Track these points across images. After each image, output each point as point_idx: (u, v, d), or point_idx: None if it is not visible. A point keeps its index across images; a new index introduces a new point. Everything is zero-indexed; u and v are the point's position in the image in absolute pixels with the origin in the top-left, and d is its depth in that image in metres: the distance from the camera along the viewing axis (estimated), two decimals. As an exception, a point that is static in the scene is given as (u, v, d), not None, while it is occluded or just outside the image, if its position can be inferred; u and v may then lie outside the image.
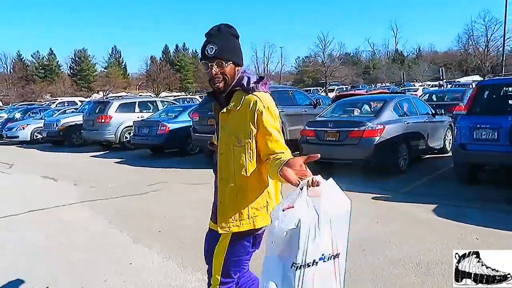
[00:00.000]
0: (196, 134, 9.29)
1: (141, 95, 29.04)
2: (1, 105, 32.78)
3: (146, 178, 8.22)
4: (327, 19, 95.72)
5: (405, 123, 7.54)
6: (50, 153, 13.12)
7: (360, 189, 6.40)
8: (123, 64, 76.08)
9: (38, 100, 50.53)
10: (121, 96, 14.40)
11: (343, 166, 7.61)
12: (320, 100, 10.70)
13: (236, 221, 1.84)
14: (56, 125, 14.17)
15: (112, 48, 76.49)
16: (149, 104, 13.56)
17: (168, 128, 10.56)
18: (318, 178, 1.56)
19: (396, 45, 73.27)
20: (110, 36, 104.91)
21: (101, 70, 74.62)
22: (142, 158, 11.04)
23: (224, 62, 1.80)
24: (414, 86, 38.85)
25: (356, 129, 7.01)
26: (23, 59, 71.69)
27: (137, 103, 13.22)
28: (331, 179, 1.61)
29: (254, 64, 71.96)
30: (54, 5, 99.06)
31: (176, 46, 76.65)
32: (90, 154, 12.33)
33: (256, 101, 1.78)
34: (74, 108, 18.02)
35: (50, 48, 74.15)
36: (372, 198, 5.95)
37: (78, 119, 14.32)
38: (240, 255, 1.88)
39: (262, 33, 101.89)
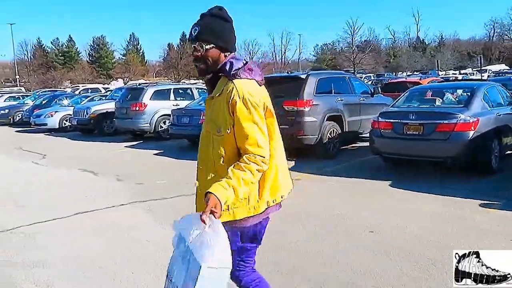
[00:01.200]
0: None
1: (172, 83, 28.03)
2: (24, 91, 32.09)
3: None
4: (346, 6, 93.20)
5: (497, 114, 6.48)
6: (82, 143, 12.35)
7: (456, 193, 5.40)
8: (141, 51, 75.66)
9: (58, 87, 50.43)
10: (155, 83, 13.48)
11: (417, 164, 6.62)
12: (378, 89, 9.64)
13: None
14: (87, 113, 13.40)
15: (130, 35, 75.93)
16: (184, 92, 12.65)
17: (211, 117, 9.60)
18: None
19: (417, 32, 70.96)
20: (128, 23, 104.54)
21: (119, 57, 74.08)
22: (181, 150, 10.15)
23: (204, 44, 1.76)
24: (439, 75, 37.26)
25: (445, 121, 5.97)
26: (43, 46, 71.43)
27: (172, 90, 12.33)
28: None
29: (272, 51, 70.41)
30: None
31: (194, 33, 75.36)
32: (124, 144, 11.50)
33: (232, 89, 1.72)
34: (100, 95, 17.22)
35: (69, 35, 73.73)
36: (480, 206, 4.95)
37: (108, 106, 13.51)
38: None
39: (280, 21, 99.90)
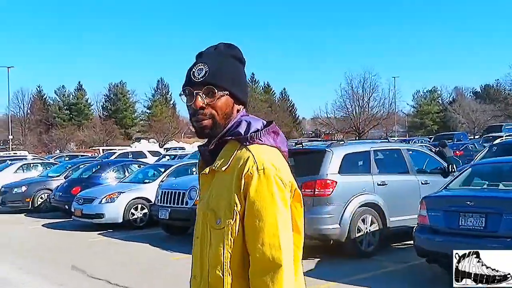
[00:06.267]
0: None
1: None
2: (28, 156, 29.51)
3: None
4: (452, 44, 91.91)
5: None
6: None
7: None
8: (172, 102, 74.44)
9: (63, 150, 48.89)
10: (342, 141, 9.78)
11: None
12: None
13: None
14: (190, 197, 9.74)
15: (158, 81, 75.69)
16: (393, 155, 9.09)
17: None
18: None
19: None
20: (155, 66, 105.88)
21: (142, 111, 73.55)
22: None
23: (216, 90, 1.68)
24: None
25: None
26: (44, 97, 72.18)
27: (372, 153, 8.61)
28: None
29: (349, 101, 64.30)
30: (82, 31, 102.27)
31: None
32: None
33: (247, 159, 1.62)
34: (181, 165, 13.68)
35: (79, 82, 73.61)
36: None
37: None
38: None
39: (362, 60, 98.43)
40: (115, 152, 25.66)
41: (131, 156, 23.80)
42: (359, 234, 7.97)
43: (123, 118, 69.83)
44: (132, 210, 11.71)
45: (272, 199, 1.57)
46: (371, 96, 53.84)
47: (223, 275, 1.61)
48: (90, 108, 72.76)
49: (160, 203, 10.45)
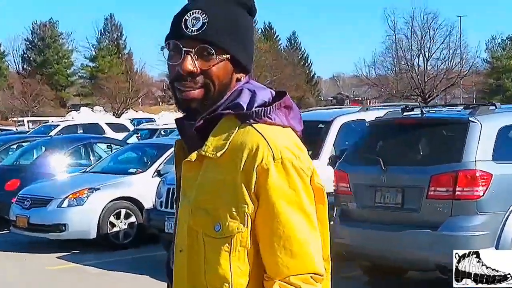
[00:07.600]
0: None
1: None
2: None
3: None
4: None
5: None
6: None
7: None
8: (128, 51, 76.27)
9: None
10: (492, 104, 9.20)
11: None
12: None
13: None
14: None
15: (106, 19, 76.14)
16: None
17: None
18: None
19: None
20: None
21: (83, 64, 75.22)
22: None
23: (214, 51, 1.80)
24: None
25: None
26: None
27: None
28: None
29: (407, 49, 62.70)
30: None
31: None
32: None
33: (258, 146, 1.75)
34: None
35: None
36: None
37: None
38: None
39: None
40: (57, 125, 25.98)
41: (82, 131, 24.15)
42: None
43: (54, 74, 71.17)
44: (112, 219, 11.49)
45: (297, 197, 1.72)
46: (433, 40, 53.42)
47: None
48: (3, 60, 74.01)
49: (165, 207, 10.18)
